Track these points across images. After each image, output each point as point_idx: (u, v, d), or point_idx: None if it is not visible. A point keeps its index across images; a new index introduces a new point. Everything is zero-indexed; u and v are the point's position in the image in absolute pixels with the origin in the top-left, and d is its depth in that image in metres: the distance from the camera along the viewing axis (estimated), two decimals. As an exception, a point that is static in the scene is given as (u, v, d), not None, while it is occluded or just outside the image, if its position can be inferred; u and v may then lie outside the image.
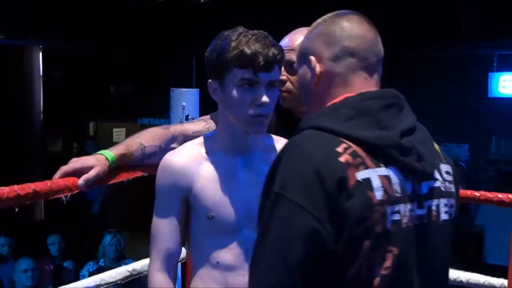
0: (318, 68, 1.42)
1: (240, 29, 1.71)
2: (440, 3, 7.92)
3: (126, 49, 9.58)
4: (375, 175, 1.29)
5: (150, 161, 2.02)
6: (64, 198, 1.70)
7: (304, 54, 1.47)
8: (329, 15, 1.47)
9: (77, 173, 1.77)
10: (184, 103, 2.51)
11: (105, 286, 2.08)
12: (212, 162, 1.77)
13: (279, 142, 1.86)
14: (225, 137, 1.77)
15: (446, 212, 1.39)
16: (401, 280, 1.31)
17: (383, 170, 1.31)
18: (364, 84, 1.41)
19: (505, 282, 1.99)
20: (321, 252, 1.25)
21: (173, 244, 1.78)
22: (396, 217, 1.30)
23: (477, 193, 2.09)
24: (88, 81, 9.59)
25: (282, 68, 1.95)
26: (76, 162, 1.80)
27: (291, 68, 2.04)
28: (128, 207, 9.20)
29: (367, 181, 1.28)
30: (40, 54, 9.13)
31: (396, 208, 1.31)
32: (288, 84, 2.10)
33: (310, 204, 1.24)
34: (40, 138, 9.24)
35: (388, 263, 1.29)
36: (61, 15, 8.18)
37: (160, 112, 8.14)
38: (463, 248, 5.75)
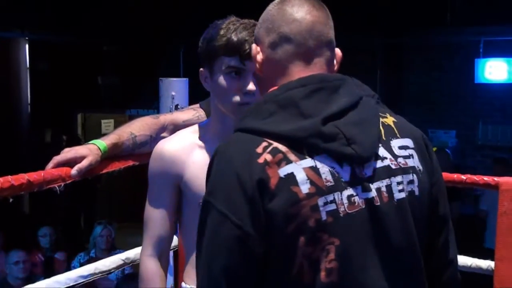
0: (259, 56, 1.41)
1: (232, 17, 1.73)
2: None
3: (113, 40, 9.54)
4: (299, 168, 1.26)
5: (141, 150, 2.03)
6: (57, 188, 1.72)
7: (256, 41, 1.45)
8: (276, 0, 1.43)
9: (70, 163, 1.78)
10: (173, 93, 2.52)
11: (99, 275, 2.10)
12: (204, 150, 1.79)
13: None
14: (217, 125, 1.79)
15: (401, 190, 1.32)
16: (352, 269, 1.26)
17: (308, 162, 1.27)
18: (302, 71, 1.36)
19: (491, 264, 2.03)
20: (250, 258, 1.23)
21: (165, 230, 1.80)
22: (332, 207, 1.25)
23: (463, 176, 2.13)
24: (75, 73, 9.54)
25: None
26: (68, 152, 1.82)
27: None
28: (118, 198, 9.21)
29: (291, 175, 1.25)
30: (27, 46, 9.08)
31: (330, 198, 1.26)
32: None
33: (232, 211, 1.24)
34: (28, 131, 9.21)
35: (332, 255, 1.24)
36: (47, 6, 8.13)
37: (148, 103, 8.13)
38: (465, 232, 5.79)
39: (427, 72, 8.95)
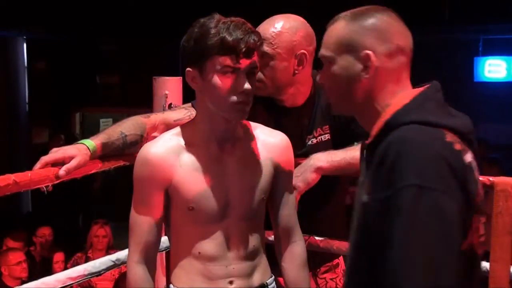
0: (375, 63, 1.43)
1: (217, 16, 1.70)
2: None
3: (112, 38, 9.52)
4: (471, 158, 1.38)
5: (131, 150, 2.01)
6: (45, 188, 1.70)
7: (349, 46, 1.46)
8: (363, 8, 1.50)
9: (58, 163, 1.76)
10: (166, 92, 2.50)
11: (89, 276, 2.08)
12: (191, 152, 1.76)
13: (258, 129, 1.87)
14: (204, 126, 1.76)
15: None
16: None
17: (470, 155, 1.39)
18: (408, 79, 1.49)
19: (487, 265, 2.00)
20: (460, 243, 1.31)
21: (152, 236, 1.78)
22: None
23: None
24: (73, 72, 9.53)
25: None
26: (57, 152, 1.80)
27: (262, 57, 2.04)
28: (116, 198, 9.20)
29: (470, 164, 1.37)
30: (25, 45, 9.07)
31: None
32: (259, 74, 2.10)
33: (450, 189, 1.29)
34: (26, 129, 9.19)
35: (481, 231, 1.37)
36: (45, 5, 8.11)
37: (147, 102, 8.10)
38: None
39: (426, 71, 8.92)
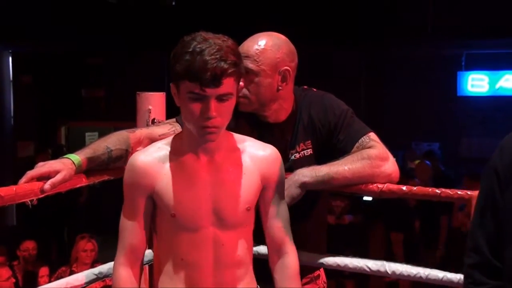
0: None
1: (199, 37, 1.70)
2: (408, 2, 8.01)
3: (97, 52, 9.53)
4: None
5: (116, 164, 2.04)
6: (29, 203, 1.71)
7: None
8: None
9: (44, 177, 1.78)
10: (150, 107, 2.52)
11: (72, 290, 2.08)
12: (176, 161, 1.79)
13: (247, 142, 1.89)
14: (189, 137, 1.79)
15: None
16: None
17: None
18: None
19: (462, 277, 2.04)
20: None
21: (137, 240, 1.82)
22: None
23: (437, 190, 2.13)
24: (59, 85, 9.52)
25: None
26: (42, 167, 1.82)
27: (246, 74, 2.07)
28: (101, 212, 9.16)
29: None
30: (10, 58, 9.06)
31: None
32: (244, 90, 2.15)
33: None
34: (11, 143, 9.16)
35: None
36: (30, 19, 8.12)
37: (132, 116, 8.09)
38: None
39: (410, 85, 9.01)
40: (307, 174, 2.15)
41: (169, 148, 1.82)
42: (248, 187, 1.84)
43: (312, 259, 2.34)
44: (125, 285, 1.82)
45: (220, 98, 1.69)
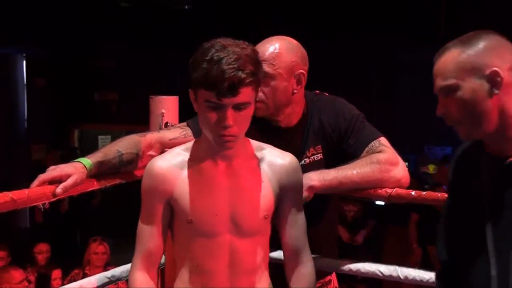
0: (504, 78, 1.51)
1: (218, 44, 1.68)
2: (419, 7, 7.98)
3: (110, 55, 9.57)
4: None
5: (127, 168, 2.05)
6: (42, 206, 1.73)
7: (472, 69, 1.53)
8: (468, 35, 1.59)
9: (55, 181, 1.79)
10: (163, 110, 2.53)
11: (85, 293, 2.09)
12: (194, 168, 1.80)
13: (266, 149, 1.88)
14: (207, 143, 1.79)
15: None
16: None
17: None
18: None
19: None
20: None
21: (154, 245, 1.83)
22: None
23: (447, 195, 2.12)
24: (72, 89, 9.57)
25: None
26: (54, 170, 1.83)
27: (263, 78, 2.05)
28: (114, 215, 9.19)
29: None
30: (24, 62, 9.11)
31: None
32: (260, 95, 2.13)
33: None
34: (25, 146, 9.21)
35: None
36: (44, 23, 8.17)
37: (146, 119, 8.11)
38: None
39: (422, 89, 8.95)
40: (314, 177, 2.14)
41: (187, 154, 1.82)
42: (266, 195, 1.84)
43: (325, 264, 2.33)
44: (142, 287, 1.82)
45: (238, 107, 1.68)
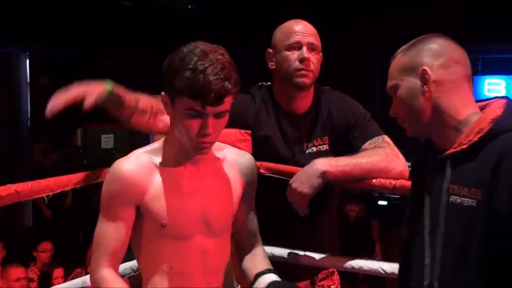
0: (432, 76, 1.59)
1: (198, 51, 1.66)
2: (423, 7, 7.98)
3: (113, 55, 9.58)
4: None
5: (139, 119, 2.12)
6: (46, 198, 1.73)
7: (408, 69, 1.63)
8: (418, 38, 1.69)
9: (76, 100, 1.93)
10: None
11: (88, 288, 2.09)
12: (163, 171, 1.78)
13: (226, 149, 1.90)
14: (175, 147, 1.78)
15: None
16: None
17: None
18: (471, 91, 1.64)
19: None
20: None
21: (120, 244, 1.77)
22: None
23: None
24: (75, 88, 9.56)
25: (305, 49, 2.21)
26: (74, 89, 2.00)
27: (313, 50, 2.28)
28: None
29: None
30: (27, 61, 9.12)
31: None
32: (312, 65, 2.28)
33: None
34: (27, 145, 9.22)
35: None
36: (47, 22, 8.18)
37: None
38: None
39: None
40: (325, 163, 2.14)
41: (152, 156, 1.79)
42: (232, 194, 1.87)
43: (327, 261, 2.34)
44: (116, 279, 1.76)
45: (218, 115, 1.68)
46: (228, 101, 1.67)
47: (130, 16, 8.51)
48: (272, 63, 2.36)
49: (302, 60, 2.27)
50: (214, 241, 1.83)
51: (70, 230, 8.19)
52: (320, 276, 2.46)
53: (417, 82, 1.62)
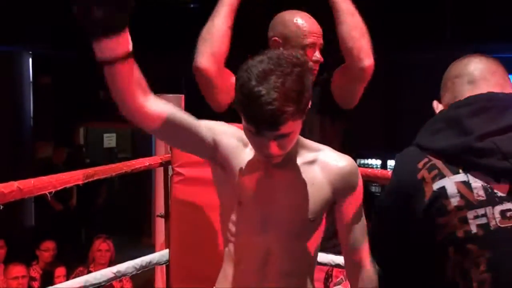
0: None
1: (258, 69, 1.54)
2: (425, 7, 7.97)
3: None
4: (451, 182, 1.35)
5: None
6: (48, 195, 1.74)
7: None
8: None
9: None
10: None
11: (90, 287, 2.10)
12: (250, 153, 1.76)
13: (323, 151, 1.81)
14: None
15: None
16: (505, 281, 1.29)
17: (461, 177, 1.36)
18: (470, 91, 1.51)
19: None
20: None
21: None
22: (482, 220, 1.31)
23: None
24: (78, 87, 9.57)
25: (318, 51, 2.36)
26: None
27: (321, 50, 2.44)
28: (118, 213, 9.22)
29: (442, 190, 1.35)
30: (30, 59, 9.12)
31: (481, 212, 1.31)
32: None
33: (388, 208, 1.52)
34: (30, 144, 9.22)
35: (482, 267, 1.29)
36: (50, 20, 8.18)
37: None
38: None
39: (427, 90, 8.94)
40: None
41: (244, 137, 1.72)
42: (315, 198, 1.75)
43: (323, 258, 2.35)
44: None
45: (280, 137, 1.59)
46: (287, 126, 1.56)
47: (133, 15, 8.50)
48: None
49: (316, 61, 2.44)
50: (284, 244, 1.75)
51: (72, 229, 8.19)
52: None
53: None
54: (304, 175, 1.75)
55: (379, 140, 8.39)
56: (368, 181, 2.48)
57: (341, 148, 2.49)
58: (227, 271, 1.81)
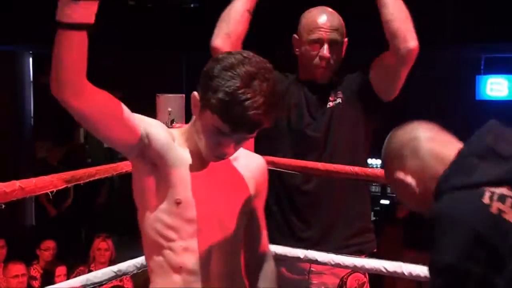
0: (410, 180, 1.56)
1: (243, 69, 1.52)
2: (427, 6, 7.97)
3: (114, 54, 9.58)
4: None
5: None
6: (50, 194, 1.74)
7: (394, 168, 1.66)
8: None
9: None
10: (170, 109, 2.56)
11: (91, 286, 2.10)
12: (183, 152, 1.71)
13: (246, 157, 1.83)
14: (195, 141, 1.70)
15: None
16: None
17: None
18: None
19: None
20: None
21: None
22: None
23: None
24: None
25: (326, 47, 2.37)
26: None
27: (333, 45, 2.44)
28: (118, 212, 9.22)
29: None
30: (30, 59, 9.13)
31: None
32: (330, 60, 2.45)
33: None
34: (30, 143, 9.23)
35: None
36: (51, 20, 8.18)
37: (149, 116, 8.10)
38: None
39: (428, 89, 8.95)
40: None
41: (173, 135, 1.72)
42: (245, 193, 1.79)
43: (327, 258, 2.35)
44: None
45: (243, 139, 1.63)
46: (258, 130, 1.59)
47: (133, 15, 8.51)
48: (297, 49, 2.51)
49: (322, 58, 2.42)
50: (224, 243, 1.75)
51: (72, 228, 8.20)
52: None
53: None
54: (234, 171, 1.79)
55: (379, 140, 8.39)
56: (368, 181, 2.49)
57: (369, 150, 2.54)
58: (165, 282, 1.71)
